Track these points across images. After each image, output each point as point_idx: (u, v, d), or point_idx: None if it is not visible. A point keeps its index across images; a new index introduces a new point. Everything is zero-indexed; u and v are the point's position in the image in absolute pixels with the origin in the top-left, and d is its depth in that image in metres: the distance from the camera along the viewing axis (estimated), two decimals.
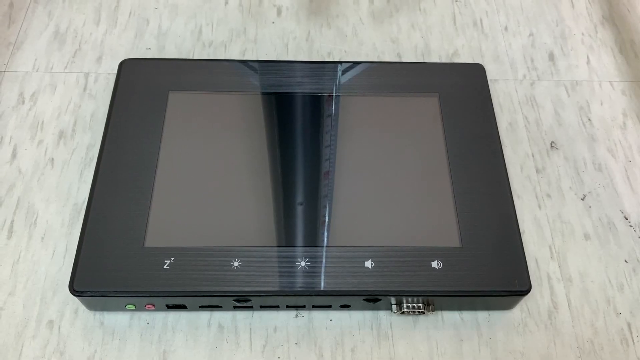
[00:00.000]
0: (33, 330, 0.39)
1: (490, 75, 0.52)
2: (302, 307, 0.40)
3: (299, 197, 0.41)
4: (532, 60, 0.54)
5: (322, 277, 0.38)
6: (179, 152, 0.43)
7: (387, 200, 0.41)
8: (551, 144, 0.49)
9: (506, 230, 0.40)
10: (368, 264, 0.38)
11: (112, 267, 0.38)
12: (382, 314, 0.40)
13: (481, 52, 0.54)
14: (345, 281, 0.38)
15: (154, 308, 0.39)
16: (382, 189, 0.42)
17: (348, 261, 0.38)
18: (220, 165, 0.42)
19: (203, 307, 0.39)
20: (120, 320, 0.40)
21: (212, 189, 0.41)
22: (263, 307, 0.40)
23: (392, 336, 0.40)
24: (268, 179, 0.42)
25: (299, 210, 0.40)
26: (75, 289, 0.37)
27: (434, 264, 0.39)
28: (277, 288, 0.37)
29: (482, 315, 0.41)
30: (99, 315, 0.40)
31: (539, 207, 0.46)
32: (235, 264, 0.38)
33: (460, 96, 0.46)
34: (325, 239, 0.39)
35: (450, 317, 0.41)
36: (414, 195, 0.42)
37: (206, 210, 0.40)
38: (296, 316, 0.40)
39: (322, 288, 0.37)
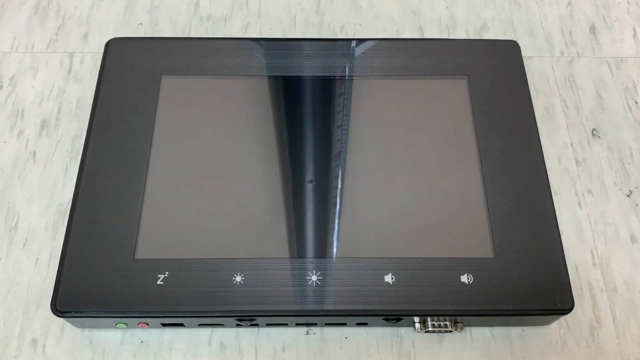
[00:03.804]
0: (15, 350, 0.35)
1: (524, 51, 0.46)
2: (314, 324, 0.36)
3: (310, 203, 0.36)
4: (570, 34, 0.47)
5: (336, 293, 0.33)
6: (173, 147, 0.38)
7: (409, 204, 0.36)
8: (592, 132, 0.43)
9: (546, 238, 0.35)
10: (388, 278, 0.34)
11: (99, 283, 0.33)
12: (404, 331, 0.36)
13: (513, 25, 0.48)
14: (363, 299, 0.33)
15: (147, 326, 0.35)
16: (403, 191, 0.37)
17: (365, 275, 0.34)
18: (220, 163, 0.37)
19: (203, 325, 0.35)
20: (112, 338, 0.36)
21: (212, 191, 0.36)
22: (270, 324, 0.35)
23: (414, 356, 0.35)
24: (275, 180, 0.37)
25: (311, 218, 0.36)
26: (58, 309, 0.33)
27: (464, 279, 0.34)
28: (284, 307, 0.33)
29: (515, 331, 0.36)
30: (87, 332, 0.36)
31: (579, 205, 0.40)
32: (238, 278, 0.34)
33: (492, 78, 0.41)
34: (339, 250, 0.35)
35: (479, 334, 0.36)
36: (440, 198, 0.37)
37: (205, 217, 0.36)
38: (307, 333, 0.36)
39: (335, 307, 0.33)
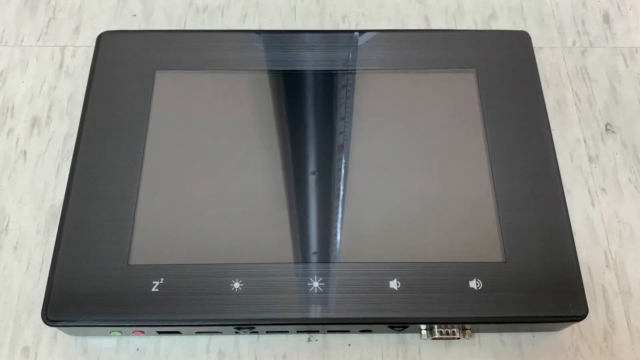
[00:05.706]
0: (6, 358, 0.34)
1: (534, 41, 0.44)
2: (316, 331, 0.34)
3: (312, 205, 0.34)
4: (583, 23, 0.45)
5: (339, 300, 0.32)
6: (168, 145, 0.36)
7: (415, 205, 0.35)
8: (606, 126, 0.41)
9: (558, 241, 0.34)
10: (393, 284, 0.32)
11: (92, 290, 0.32)
12: (409, 337, 0.35)
13: (523, 14, 0.46)
14: (367, 306, 0.32)
15: (143, 334, 0.33)
16: (409, 192, 0.35)
17: (369, 281, 0.32)
18: (217, 163, 0.36)
19: (200, 333, 0.34)
20: (106, 345, 0.34)
21: (209, 193, 0.35)
22: (270, 332, 0.34)
23: None
24: (274, 182, 0.35)
25: (312, 220, 0.34)
26: (49, 318, 0.31)
27: (473, 284, 0.32)
28: (285, 315, 0.32)
29: (525, 337, 0.35)
30: (81, 340, 0.34)
31: (592, 204, 0.39)
32: (236, 285, 0.32)
33: (501, 71, 0.39)
34: (342, 254, 0.33)
35: (488, 340, 0.35)
36: (447, 198, 0.35)
37: (202, 220, 0.34)
38: (309, 340, 0.35)
39: (338, 315, 0.32)
